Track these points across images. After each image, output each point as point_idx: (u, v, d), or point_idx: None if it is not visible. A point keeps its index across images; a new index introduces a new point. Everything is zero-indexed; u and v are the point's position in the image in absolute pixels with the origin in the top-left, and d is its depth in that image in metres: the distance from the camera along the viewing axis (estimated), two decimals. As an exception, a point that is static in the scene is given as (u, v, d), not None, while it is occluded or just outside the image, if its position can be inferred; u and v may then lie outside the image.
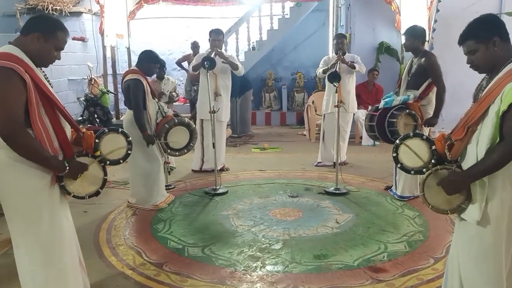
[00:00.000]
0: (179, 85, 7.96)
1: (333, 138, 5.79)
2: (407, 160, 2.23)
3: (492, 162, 1.86)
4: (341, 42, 5.62)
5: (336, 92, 4.94)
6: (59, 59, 2.27)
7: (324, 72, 5.59)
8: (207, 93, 4.94)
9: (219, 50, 5.30)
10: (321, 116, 6.12)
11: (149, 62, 4.30)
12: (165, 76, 6.39)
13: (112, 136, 2.47)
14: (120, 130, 2.53)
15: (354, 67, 5.54)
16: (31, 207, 2.14)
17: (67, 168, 2.17)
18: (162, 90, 6.20)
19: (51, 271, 2.20)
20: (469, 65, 2.06)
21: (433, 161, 2.14)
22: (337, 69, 5.22)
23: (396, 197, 4.52)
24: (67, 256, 2.28)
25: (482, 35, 1.97)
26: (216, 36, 5.38)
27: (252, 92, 8.59)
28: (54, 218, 2.20)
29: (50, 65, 2.26)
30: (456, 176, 2.01)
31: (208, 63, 4.83)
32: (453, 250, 2.21)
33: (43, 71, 2.25)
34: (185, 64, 8.76)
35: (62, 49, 2.24)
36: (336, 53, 5.59)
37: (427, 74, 4.22)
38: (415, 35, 4.32)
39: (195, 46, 8.06)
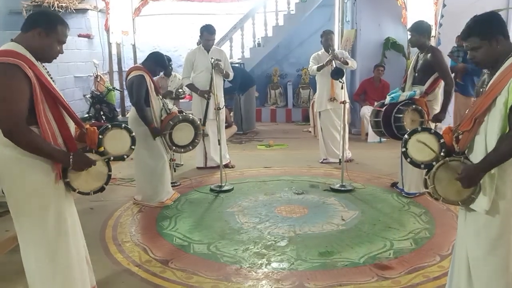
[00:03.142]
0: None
1: (332, 135, 5.77)
2: (416, 154, 2.24)
3: (504, 151, 1.90)
4: (330, 39, 5.64)
5: (330, 88, 5.35)
6: (62, 53, 2.26)
7: (319, 69, 5.59)
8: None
9: (221, 66, 5.28)
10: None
11: (156, 63, 4.32)
12: (172, 73, 6.40)
13: (116, 131, 2.46)
14: (123, 125, 2.52)
15: (347, 63, 5.52)
16: (37, 203, 2.14)
17: (71, 159, 2.15)
18: (169, 88, 6.20)
19: (57, 267, 2.21)
20: (471, 60, 2.11)
21: (442, 153, 2.16)
22: (336, 65, 5.19)
23: (403, 194, 4.49)
24: (73, 252, 2.28)
25: (486, 33, 2.01)
26: (210, 36, 5.40)
27: (255, 88, 8.55)
28: (60, 213, 2.21)
29: (54, 60, 2.27)
30: (471, 169, 2.03)
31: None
32: (460, 244, 2.21)
33: (46, 68, 2.25)
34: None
35: (64, 42, 2.24)
36: (326, 50, 5.61)
37: (433, 70, 4.19)
38: (421, 30, 4.28)
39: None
